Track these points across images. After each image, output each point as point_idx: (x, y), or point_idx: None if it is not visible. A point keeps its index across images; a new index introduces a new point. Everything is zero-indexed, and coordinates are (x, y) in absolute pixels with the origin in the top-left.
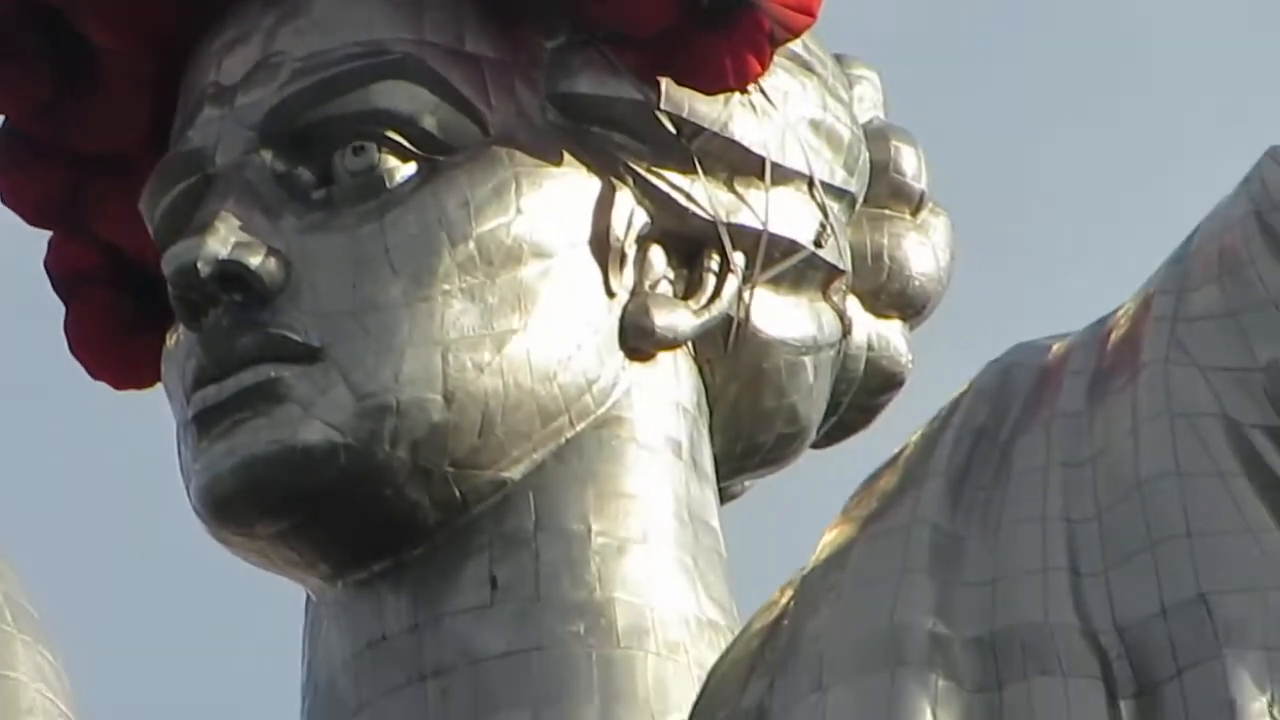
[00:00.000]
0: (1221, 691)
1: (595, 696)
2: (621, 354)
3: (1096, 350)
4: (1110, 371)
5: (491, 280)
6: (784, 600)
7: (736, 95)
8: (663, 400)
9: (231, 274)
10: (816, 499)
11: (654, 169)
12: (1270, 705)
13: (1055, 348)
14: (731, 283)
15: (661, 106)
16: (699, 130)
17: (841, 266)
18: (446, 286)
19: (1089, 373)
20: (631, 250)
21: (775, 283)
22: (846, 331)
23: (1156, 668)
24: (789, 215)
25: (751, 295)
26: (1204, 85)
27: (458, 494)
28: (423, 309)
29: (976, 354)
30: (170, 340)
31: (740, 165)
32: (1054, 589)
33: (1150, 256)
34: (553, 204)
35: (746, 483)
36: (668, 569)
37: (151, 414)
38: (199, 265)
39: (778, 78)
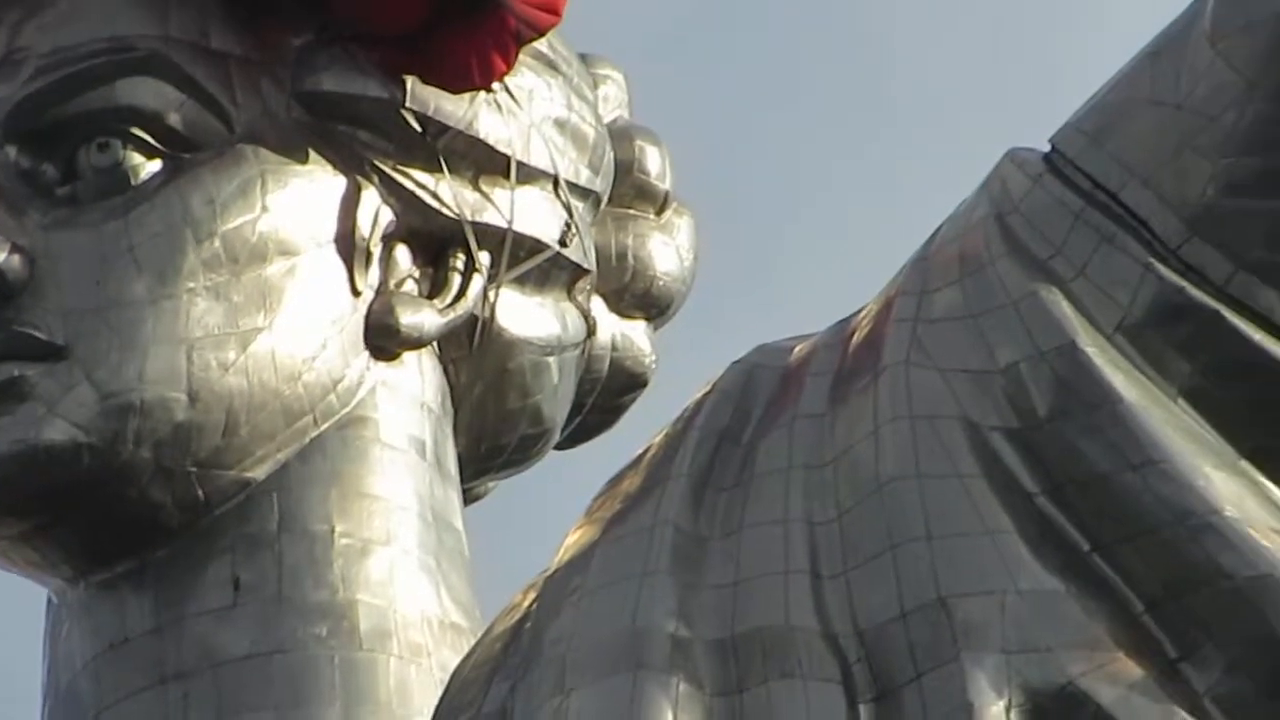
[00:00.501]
0: (959, 694)
1: (337, 700)
2: (366, 353)
3: (839, 352)
4: (852, 373)
5: (237, 278)
6: (526, 602)
7: (482, 94)
8: (407, 400)
9: None
10: (560, 500)
11: (400, 167)
12: (1008, 708)
13: (797, 349)
14: (477, 282)
15: (407, 105)
16: (444, 129)
17: (586, 266)
18: (191, 284)
19: (831, 374)
20: (377, 249)
21: (520, 282)
22: (591, 331)
23: (896, 671)
24: (534, 214)
25: (497, 294)
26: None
27: (201, 494)
28: (167, 307)
29: (720, 355)
30: None
31: (486, 164)
32: (795, 592)
33: (891, 262)
34: (299, 202)
35: (490, 483)
36: (411, 570)
37: None
38: None
39: (523, 77)
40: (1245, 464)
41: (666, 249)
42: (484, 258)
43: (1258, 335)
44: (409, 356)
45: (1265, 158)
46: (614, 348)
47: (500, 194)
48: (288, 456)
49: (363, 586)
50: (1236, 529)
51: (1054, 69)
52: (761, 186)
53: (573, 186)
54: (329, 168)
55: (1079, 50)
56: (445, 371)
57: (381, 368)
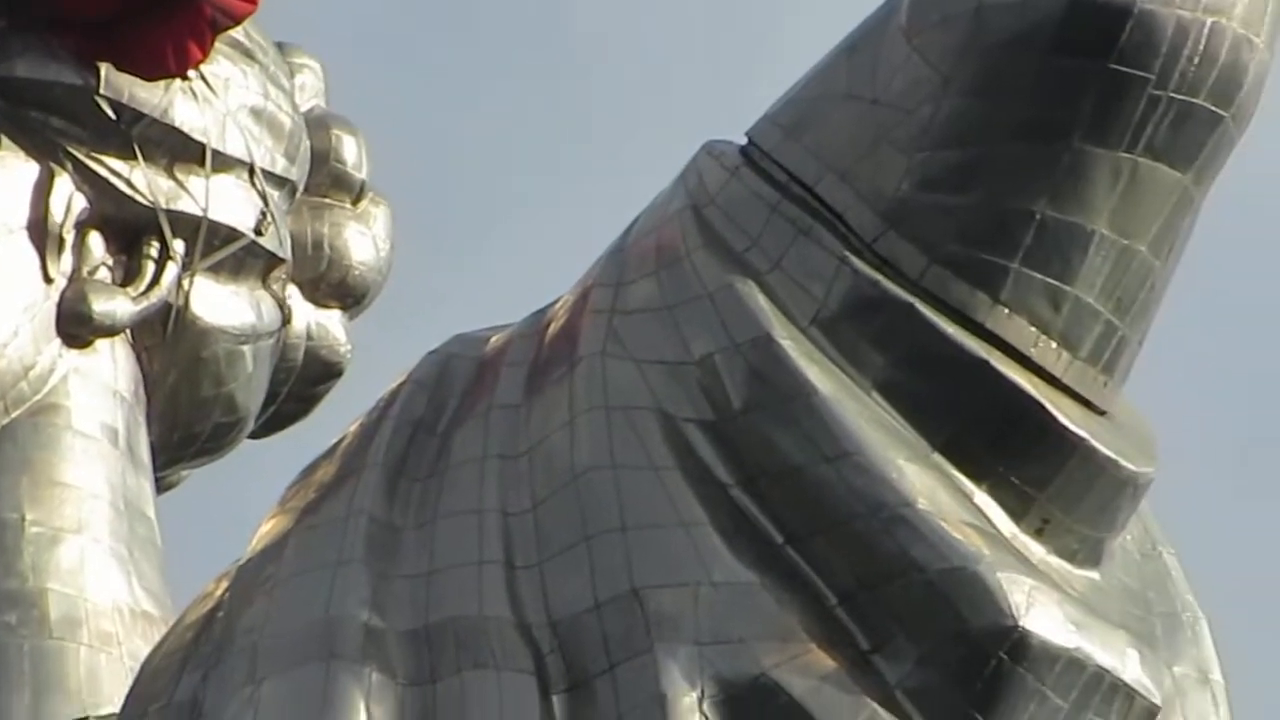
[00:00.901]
0: (652, 685)
1: (26, 688)
2: (58, 340)
3: (535, 342)
4: (548, 363)
5: None
6: (219, 591)
7: (178, 82)
8: (100, 388)
9: None
10: (254, 489)
11: (94, 154)
12: (700, 699)
13: (493, 339)
14: (171, 270)
15: (101, 92)
16: (139, 116)
17: (282, 255)
18: None
19: (527, 364)
20: (70, 236)
21: (215, 270)
22: (286, 320)
23: (589, 662)
24: (230, 202)
25: (191, 282)
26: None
27: None
28: None
29: (416, 344)
30: None
31: (181, 152)
32: (489, 582)
33: (590, 250)
34: None
35: (184, 472)
36: (102, 559)
37: None
38: None
39: (220, 65)
40: (938, 456)
41: (363, 238)
42: (178, 246)
43: (951, 329)
44: (102, 344)
45: (960, 152)
46: (309, 337)
47: (195, 182)
48: None
49: (53, 575)
50: (929, 521)
51: (751, 64)
52: (462, 175)
53: (268, 175)
54: (20, 154)
55: (776, 45)
56: (139, 359)
57: (74, 355)
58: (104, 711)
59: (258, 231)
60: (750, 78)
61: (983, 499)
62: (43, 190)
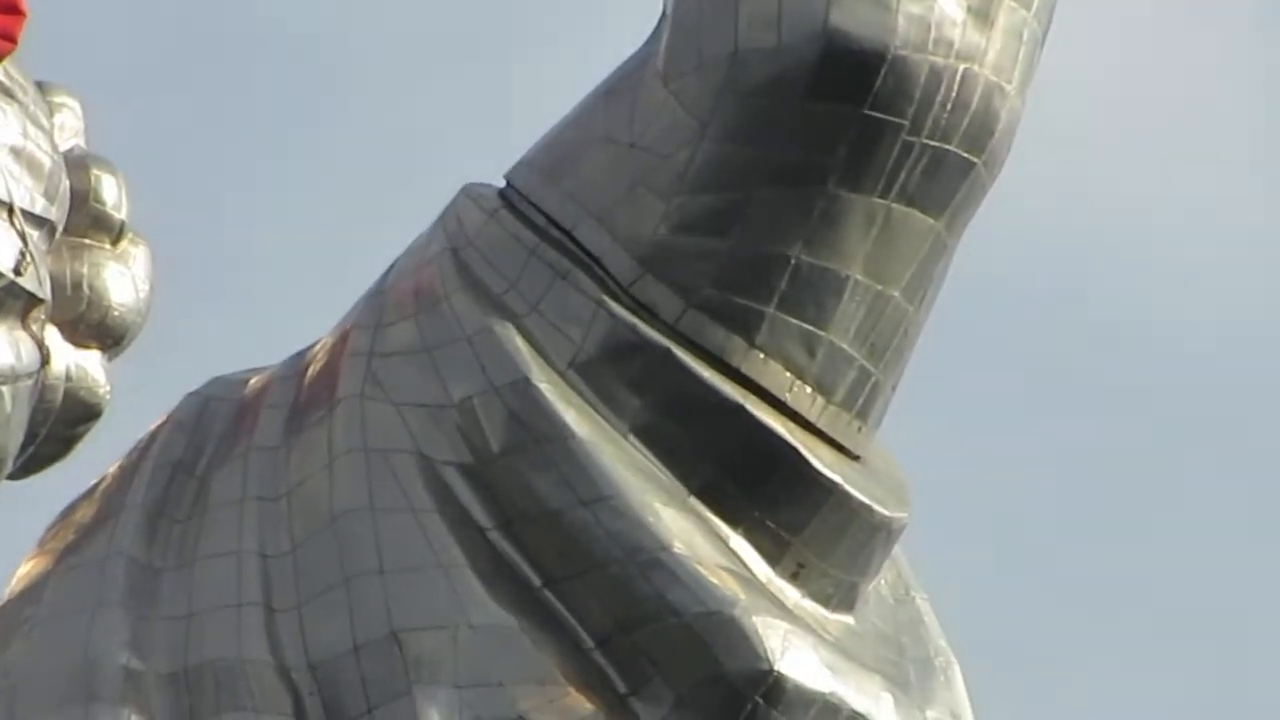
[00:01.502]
0: None
1: None
2: None
3: (294, 384)
4: (307, 406)
5: None
6: None
7: None
8: None
9: None
10: (12, 531)
11: None
12: None
13: (253, 381)
14: None
15: None
16: None
17: (41, 295)
18: None
19: (287, 406)
20: None
21: None
22: (45, 361)
23: (349, 704)
24: None
25: None
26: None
27: None
28: None
29: (176, 385)
30: None
31: None
32: (247, 624)
33: (352, 290)
34: None
35: None
36: None
37: None
38: None
39: None
40: (695, 501)
41: (123, 279)
42: None
43: (707, 373)
44: None
45: (716, 197)
46: (68, 378)
47: None
48: None
49: None
50: (685, 566)
51: (510, 104)
52: (222, 216)
53: (28, 215)
54: None
55: (535, 84)
56: None
57: None
58: None
59: (17, 272)
60: (509, 120)
61: (739, 543)
62: None
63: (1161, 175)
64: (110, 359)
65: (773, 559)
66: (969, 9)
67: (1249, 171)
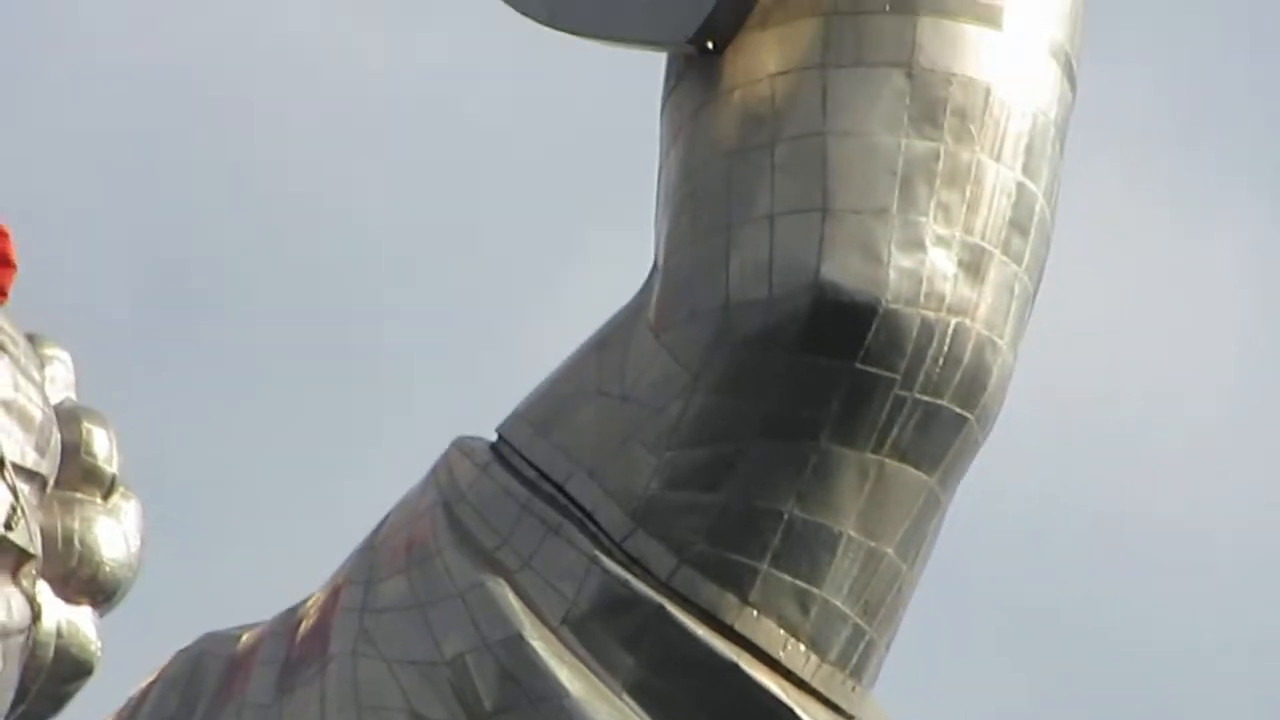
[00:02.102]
0: None
1: None
2: None
3: (286, 640)
4: (300, 662)
5: None
6: None
7: None
8: None
9: None
10: None
11: None
12: None
13: (245, 637)
14: None
15: None
16: None
17: (32, 550)
18: None
19: (279, 663)
20: None
21: None
22: (36, 617)
23: None
24: None
25: None
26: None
27: None
28: None
29: (168, 641)
30: None
31: None
32: None
33: (344, 543)
34: None
35: None
36: None
37: None
38: None
39: None
40: None
41: (113, 534)
42: None
43: (701, 630)
44: None
45: (709, 451)
46: (59, 634)
47: None
48: None
49: None
50: None
51: (514, 354)
52: (212, 470)
53: (18, 469)
54: None
55: (535, 337)
56: None
57: None
58: None
59: (7, 526)
60: (514, 370)
61: None
62: None
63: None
64: (102, 614)
65: None
66: (960, 263)
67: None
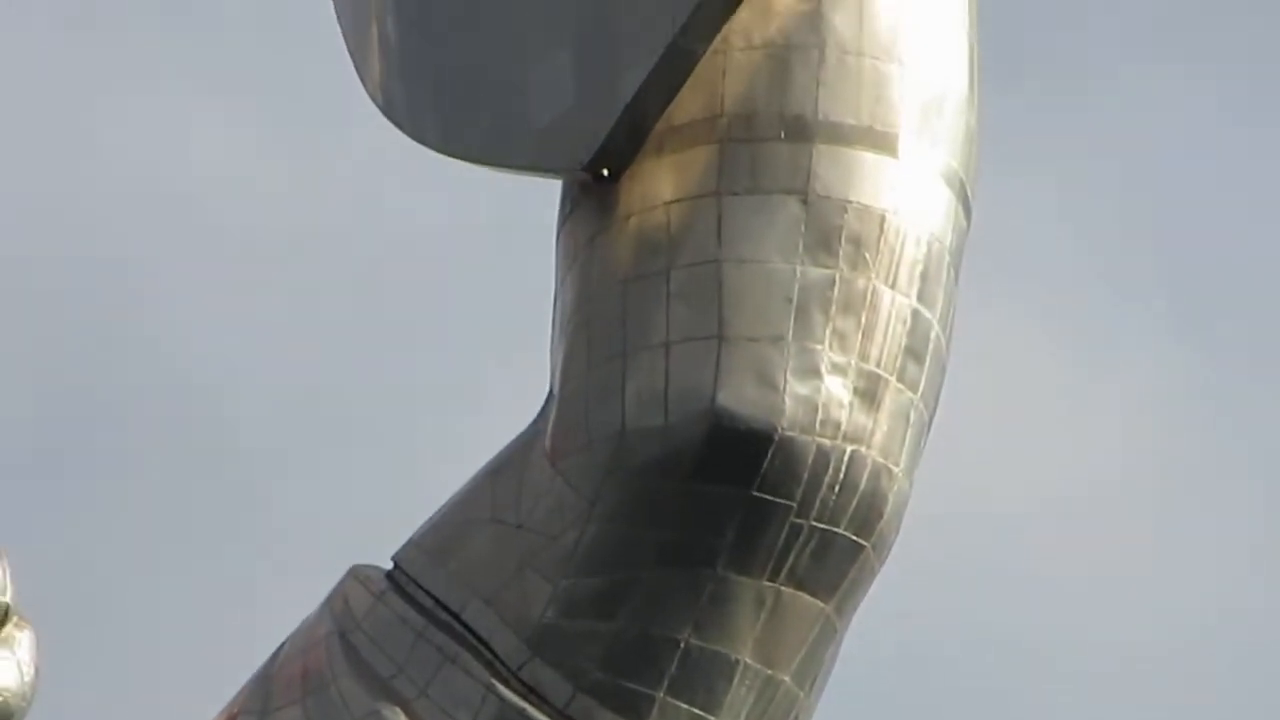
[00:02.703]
0: None
1: None
2: None
3: None
4: None
5: None
6: None
7: None
8: None
9: None
10: None
11: None
12: None
13: None
14: None
15: None
16: None
17: None
18: None
19: None
20: None
21: None
22: None
23: None
24: None
25: None
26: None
27: None
28: None
29: None
30: None
31: None
32: None
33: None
34: None
35: None
36: None
37: None
38: None
39: None
40: None
41: (7, 663)
42: None
43: None
44: None
45: (605, 579)
46: None
47: None
48: None
49: None
50: None
51: (414, 484)
52: (107, 602)
53: None
54: None
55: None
56: None
57: None
58: None
59: None
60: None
61: None
62: None
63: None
64: None
65: None
66: (856, 390)
67: None
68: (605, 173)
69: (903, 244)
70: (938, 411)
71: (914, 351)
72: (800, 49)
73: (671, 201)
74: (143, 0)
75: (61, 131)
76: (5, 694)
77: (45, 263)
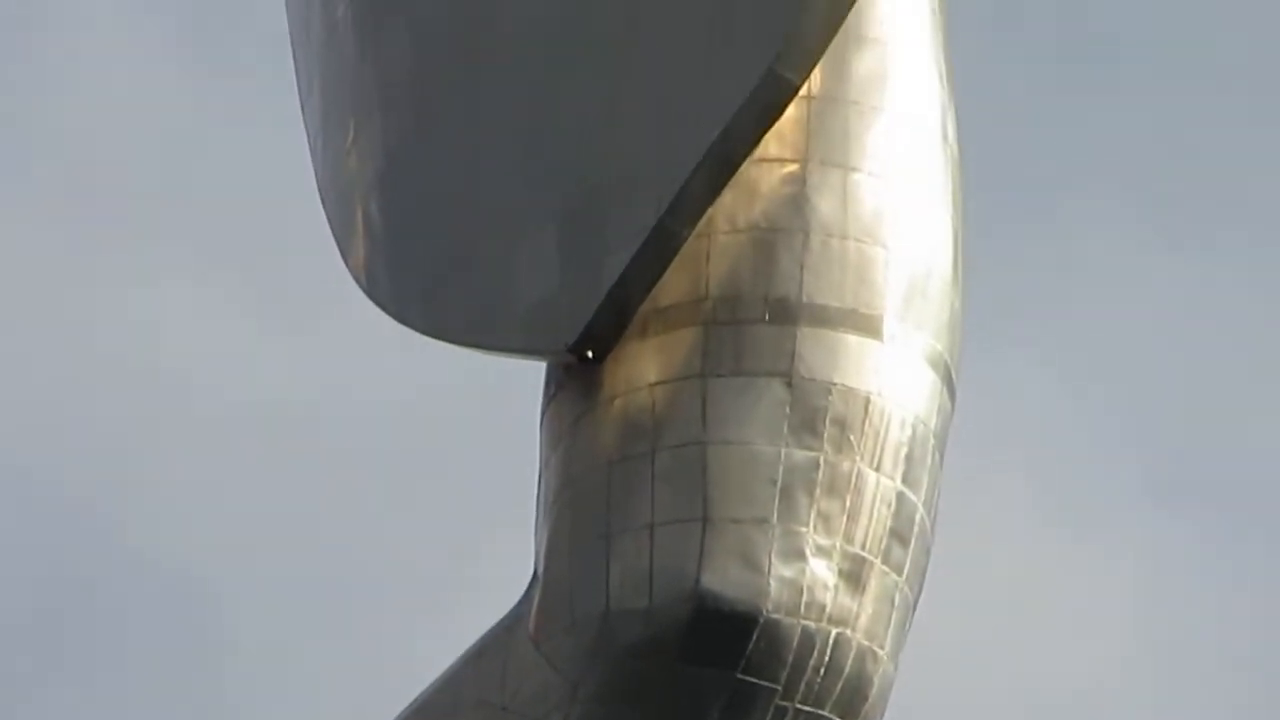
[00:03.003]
0: None
1: None
2: None
3: None
4: None
5: None
6: None
7: None
8: None
9: None
10: None
11: None
12: None
13: None
14: None
15: None
16: None
17: None
18: None
19: None
20: None
21: None
22: None
23: None
24: None
25: None
26: None
27: None
28: None
29: None
30: None
31: None
32: None
33: None
34: None
35: None
36: None
37: None
38: None
39: None
40: None
41: None
42: None
43: None
44: None
45: None
46: None
47: None
48: None
49: None
50: None
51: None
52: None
53: None
54: None
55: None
56: None
57: None
58: None
59: None
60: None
61: None
62: None
63: None
64: None
65: None
66: (841, 573)
67: None
68: (590, 354)
69: (887, 426)
70: (922, 593)
71: (899, 534)
72: (785, 232)
73: (656, 383)
74: (138, 180)
75: (53, 323)
76: None
77: (41, 465)
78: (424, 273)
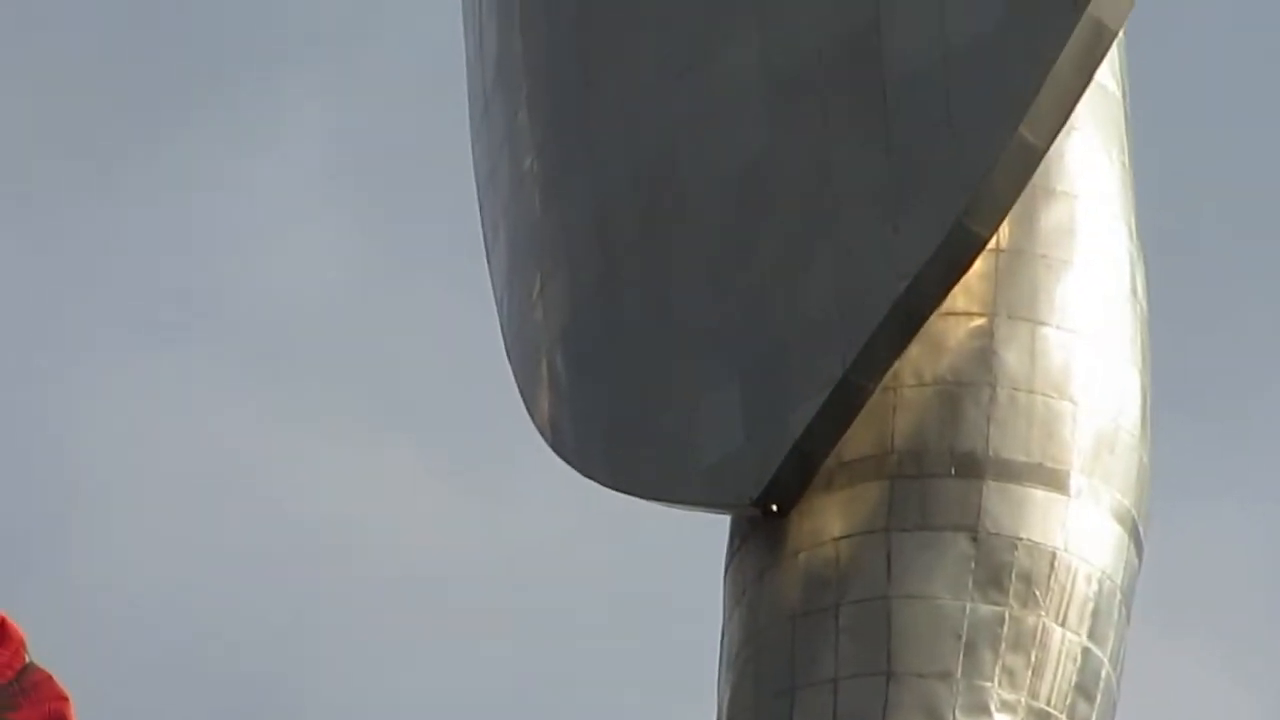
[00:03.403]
0: None
1: None
2: None
3: None
4: None
5: None
6: None
7: None
8: None
9: None
10: None
11: None
12: None
13: None
14: None
15: None
16: None
17: None
18: None
19: None
20: None
21: None
22: None
23: None
24: None
25: None
26: None
27: None
28: None
29: None
30: None
31: None
32: None
33: None
34: None
35: None
36: None
37: None
38: None
39: None
40: None
41: None
42: None
43: None
44: None
45: None
46: None
47: None
48: None
49: None
50: None
51: None
52: None
53: None
54: None
55: None
56: None
57: None
58: None
59: None
60: None
61: None
62: None
63: None
64: None
65: None
66: None
67: None
68: (775, 508)
69: (1073, 581)
70: None
71: (1084, 689)
72: (971, 386)
73: (840, 537)
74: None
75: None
76: None
77: (237, 639)
78: (609, 428)
